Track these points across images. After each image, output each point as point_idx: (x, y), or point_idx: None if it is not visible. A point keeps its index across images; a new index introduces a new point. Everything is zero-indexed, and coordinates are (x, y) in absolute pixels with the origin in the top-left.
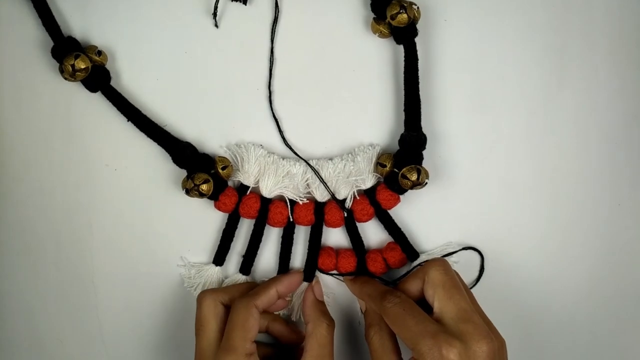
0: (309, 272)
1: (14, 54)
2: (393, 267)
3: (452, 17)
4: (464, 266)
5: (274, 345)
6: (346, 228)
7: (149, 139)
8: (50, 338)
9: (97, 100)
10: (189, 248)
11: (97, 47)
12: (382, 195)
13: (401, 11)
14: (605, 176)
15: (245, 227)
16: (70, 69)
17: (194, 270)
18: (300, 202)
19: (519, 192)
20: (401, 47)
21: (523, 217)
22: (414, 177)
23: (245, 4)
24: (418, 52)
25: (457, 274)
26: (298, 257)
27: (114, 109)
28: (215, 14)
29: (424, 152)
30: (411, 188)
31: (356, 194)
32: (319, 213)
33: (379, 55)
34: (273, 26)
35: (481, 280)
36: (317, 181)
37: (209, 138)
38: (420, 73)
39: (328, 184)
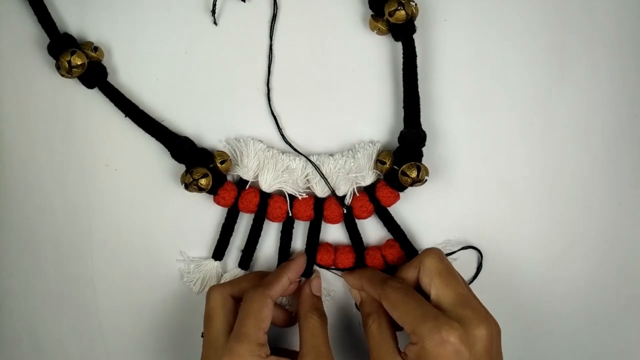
0: (307, 267)
1: (10, 52)
2: (392, 264)
3: (452, 17)
4: (463, 264)
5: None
6: (345, 224)
7: (148, 137)
8: (50, 338)
9: (97, 99)
10: (188, 243)
11: (93, 43)
12: (382, 192)
13: (399, 8)
14: (605, 176)
15: (244, 222)
16: (67, 65)
17: (193, 265)
18: (300, 197)
19: (519, 191)
20: (400, 44)
21: (523, 216)
22: (413, 174)
23: (245, 1)
24: (418, 51)
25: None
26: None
27: (113, 105)
28: (214, 12)
29: (424, 150)
30: (411, 185)
31: (356, 190)
32: (319, 209)
33: (378, 53)
34: (272, 23)
35: (480, 278)
36: (318, 177)
37: (208, 133)
38: (420, 72)
39: (328, 180)
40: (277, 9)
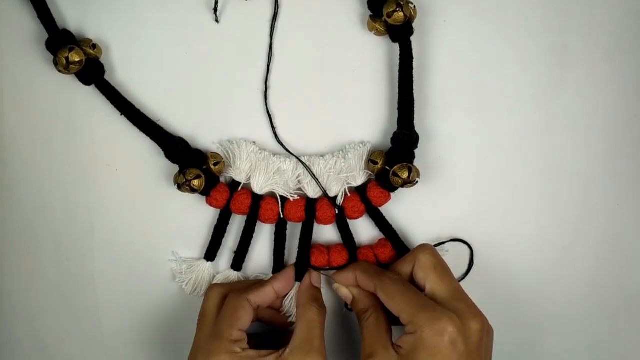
0: (300, 270)
1: (10, 50)
2: (384, 263)
3: (451, 18)
4: (455, 262)
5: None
6: (337, 225)
7: (145, 137)
8: (50, 337)
9: (97, 99)
10: (182, 243)
11: (91, 40)
12: (373, 192)
13: (397, 9)
14: (605, 176)
15: (237, 223)
16: (64, 61)
17: (185, 265)
18: (291, 199)
19: (517, 192)
20: (397, 46)
21: (522, 216)
22: (404, 175)
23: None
24: (418, 52)
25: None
26: (293, 254)
27: (110, 104)
28: (216, 9)
29: (418, 150)
30: (402, 186)
31: (347, 191)
32: (310, 210)
33: (375, 53)
34: (272, 22)
35: (477, 280)
36: (309, 177)
37: (203, 134)
38: (419, 72)
39: (319, 181)
40: (278, 7)
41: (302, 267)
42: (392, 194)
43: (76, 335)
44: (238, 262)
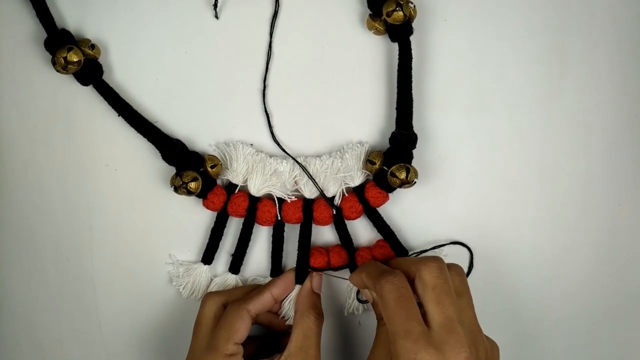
0: (301, 272)
1: (10, 49)
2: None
3: (452, 17)
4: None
5: (262, 338)
6: (335, 226)
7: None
8: (50, 338)
9: (97, 99)
10: (179, 245)
11: (90, 41)
12: (371, 192)
13: (397, 9)
14: (605, 176)
15: (235, 226)
16: (63, 61)
17: (182, 268)
18: (289, 200)
19: (517, 192)
20: (396, 45)
21: (521, 216)
22: (402, 175)
23: None
24: (418, 52)
25: (459, 270)
26: (291, 256)
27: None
28: (215, 5)
29: (417, 151)
30: (399, 186)
31: (345, 191)
32: (308, 211)
33: (374, 53)
34: (272, 21)
35: (477, 280)
36: (305, 178)
37: (201, 135)
38: (419, 72)
39: (316, 181)
40: (278, 6)
41: (302, 269)
42: (390, 194)
43: (75, 336)
44: (236, 265)
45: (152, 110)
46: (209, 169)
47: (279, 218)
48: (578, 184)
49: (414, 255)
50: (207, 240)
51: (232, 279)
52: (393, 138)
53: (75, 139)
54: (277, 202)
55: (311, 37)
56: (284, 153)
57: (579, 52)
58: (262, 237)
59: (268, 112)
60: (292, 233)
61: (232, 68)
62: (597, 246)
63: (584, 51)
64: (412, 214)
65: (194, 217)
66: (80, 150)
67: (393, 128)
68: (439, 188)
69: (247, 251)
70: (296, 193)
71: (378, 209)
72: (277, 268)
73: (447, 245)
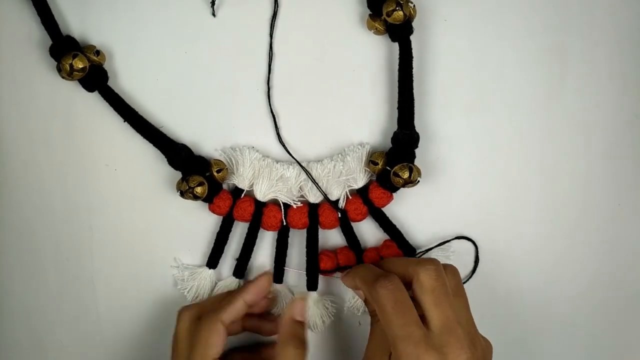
0: (312, 278)
1: (11, 51)
2: None
3: (452, 17)
4: (460, 259)
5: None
6: (341, 229)
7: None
8: (50, 338)
9: (97, 98)
10: (183, 248)
11: (95, 47)
12: (375, 193)
13: (397, 8)
14: (606, 176)
15: (240, 230)
16: (68, 68)
17: (187, 272)
18: (294, 206)
19: (518, 192)
20: (397, 45)
21: (522, 215)
22: (405, 175)
23: None
24: (419, 51)
25: (454, 270)
26: (294, 260)
27: (112, 109)
28: (213, 2)
29: (421, 149)
30: (403, 186)
31: (348, 193)
32: (314, 216)
33: (374, 52)
34: (272, 21)
35: (477, 280)
36: (310, 183)
37: (206, 139)
38: (419, 71)
39: (319, 185)
40: (277, 6)
41: (313, 274)
42: (394, 194)
43: (75, 336)
44: (240, 269)
45: (157, 115)
46: (215, 174)
47: (284, 223)
48: (578, 184)
49: (421, 253)
50: (211, 244)
51: (235, 284)
52: (395, 138)
53: (75, 139)
54: (282, 207)
55: (311, 38)
56: (288, 156)
57: (579, 52)
58: (266, 241)
59: (274, 113)
60: (295, 238)
61: (233, 69)
62: (597, 246)
63: (584, 51)
64: (418, 212)
65: (194, 218)
66: (80, 150)
67: (395, 128)
68: (443, 186)
69: (252, 256)
70: (301, 199)
71: (383, 209)
72: (280, 273)
73: (452, 241)
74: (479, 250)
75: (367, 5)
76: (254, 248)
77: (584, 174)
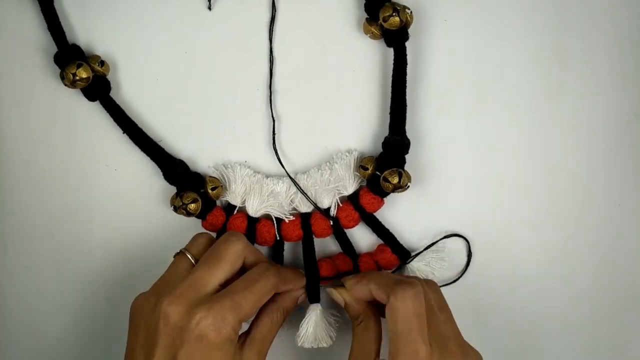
0: (314, 289)
1: (17, 56)
2: (385, 268)
3: (452, 17)
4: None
5: None
6: (335, 236)
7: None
8: (50, 338)
9: (98, 104)
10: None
11: (100, 57)
12: (365, 198)
13: (394, 14)
14: (605, 176)
15: None
16: (71, 77)
17: None
18: (287, 220)
19: (517, 192)
20: (392, 50)
21: (521, 217)
22: (395, 180)
23: None
24: (419, 52)
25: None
26: None
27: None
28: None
29: (413, 152)
30: (392, 191)
31: (339, 201)
32: (307, 226)
33: (370, 57)
34: (270, 26)
35: (476, 281)
36: (300, 195)
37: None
38: (419, 72)
39: (308, 194)
40: (275, 11)
41: (314, 283)
42: (387, 198)
43: (75, 336)
44: None
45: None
46: (210, 191)
47: (278, 237)
48: (578, 183)
49: (415, 256)
50: None
51: None
52: (386, 143)
53: (75, 139)
54: (275, 221)
55: (307, 41)
56: (279, 167)
57: (579, 52)
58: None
59: (274, 117)
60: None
61: (233, 72)
62: (597, 246)
63: (584, 51)
64: (410, 215)
65: (192, 230)
66: (80, 150)
67: (387, 132)
68: (436, 189)
69: None
70: (293, 211)
71: (375, 213)
72: None
73: (446, 242)
74: (474, 249)
75: (364, 9)
76: None
77: (584, 174)
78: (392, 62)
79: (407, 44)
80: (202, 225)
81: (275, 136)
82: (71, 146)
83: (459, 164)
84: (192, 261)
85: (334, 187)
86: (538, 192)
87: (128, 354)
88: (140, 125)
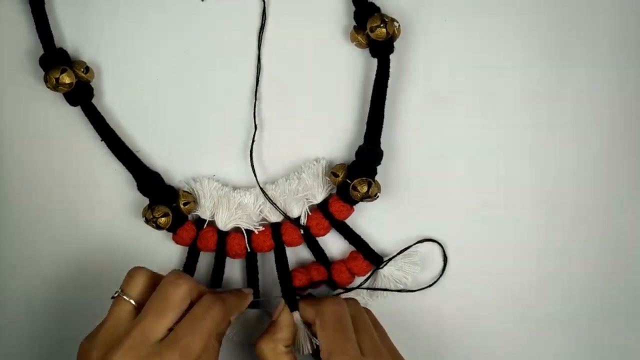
0: (290, 297)
1: (14, 54)
2: (359, 275)
3: (452, 17)
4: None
5: None
6: (307, 245)
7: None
8: (50, 338)
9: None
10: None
11: (85, 63)
12: (335, 206)
13: (381, 25)
14: (605, 176)
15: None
16: (54, 81)
17: None
18: (256, 232)
19: (517, 191)
20: (375, 62)
21: (521, 216)
22: (364, 189)
23: None
24: (419, 52)
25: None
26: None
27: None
28: None
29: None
30: (361, 200)
31: (308, 209)
32: (278, 236)
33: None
34: (260, 34)
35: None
36: (269, 205)
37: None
38: (419, 72)
39: (278, 205)
40: (265, 19)
41: (290, 293)
42: (359, 205)
43: (75, 336)
44: None
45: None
46: (182, 206)
47: (249, 250)
48: (578, 183)
49: (388, 261)
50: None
51: None
52: (359, 152)
53: (75, 138)
54: (245, 233)
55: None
56: (249, 179)
57: (579, 52)
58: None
59: (256, 125)
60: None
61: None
62: (597, 246)
63: (584, 51)
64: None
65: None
66: (80, 151)
67: (361, 142)
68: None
69: (224, 283)
70: (263, 222)
71: (347, 220)
72: (254, 297)
73: (417, 244)
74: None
75: (353, 17)
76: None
77: (584, 174)
78: (375, 73)
79: (391, 56)
80: (173, 239)
81: (252, 145)
82: (70, 146)
83: (459, 163)
84: (134, 304)
85: (302, 196)
86: (538, 192)
87: None
88: (119, 134)
